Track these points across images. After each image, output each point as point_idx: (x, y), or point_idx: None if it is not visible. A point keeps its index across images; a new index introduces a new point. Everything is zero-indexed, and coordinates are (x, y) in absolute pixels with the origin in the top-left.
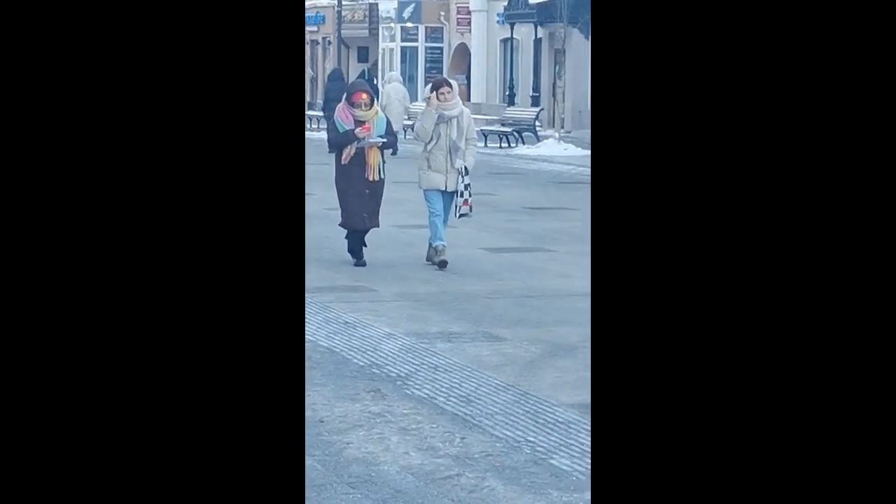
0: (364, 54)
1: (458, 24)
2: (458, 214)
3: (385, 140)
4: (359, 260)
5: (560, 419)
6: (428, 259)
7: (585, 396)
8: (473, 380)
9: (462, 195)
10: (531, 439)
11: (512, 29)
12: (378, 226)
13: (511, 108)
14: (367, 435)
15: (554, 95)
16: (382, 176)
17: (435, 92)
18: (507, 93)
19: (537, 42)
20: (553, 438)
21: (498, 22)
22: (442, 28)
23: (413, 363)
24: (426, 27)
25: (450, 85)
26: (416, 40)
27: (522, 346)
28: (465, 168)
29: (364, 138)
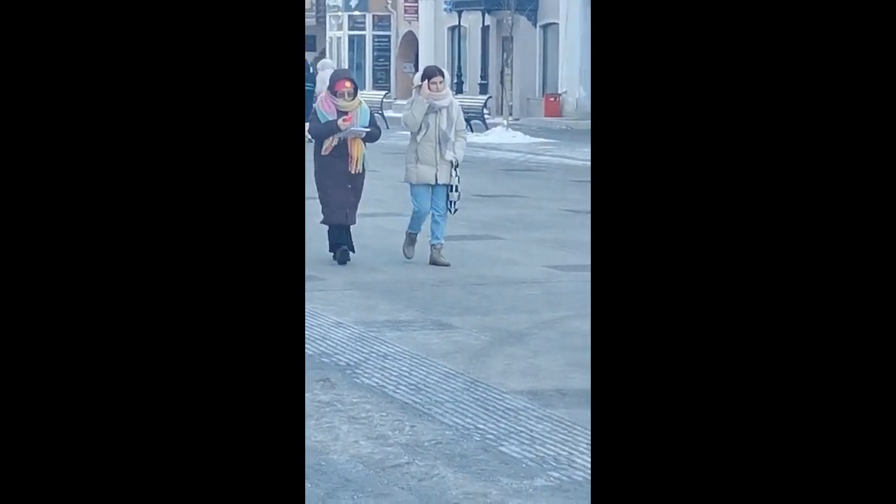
0: (311, 43)
1: (406, 12)
2: (453, 209)
3: (369, 130)
4: (344, 256)
5: (509, 406)
6: (432, 261)
7: (534, 383)
8: (423, 368)
9: (456, 189)
10: (481, 427)
11: (459, 17)
12: (355, 222)
13: (459, 95)
14: (316, 424)
15: (502, 83)
16: (365, 169)
17: (426, 81)
18: (454, 81)
19: (485, 30)
20: (502, 425)
21: (445, 10)
22: (389, 16)
23: (362, 352)
24: (373, 15)
25: (442, 74)
26: (363, 29)
27: (472, 334)
28: (457, 160)
29: (347, 129)
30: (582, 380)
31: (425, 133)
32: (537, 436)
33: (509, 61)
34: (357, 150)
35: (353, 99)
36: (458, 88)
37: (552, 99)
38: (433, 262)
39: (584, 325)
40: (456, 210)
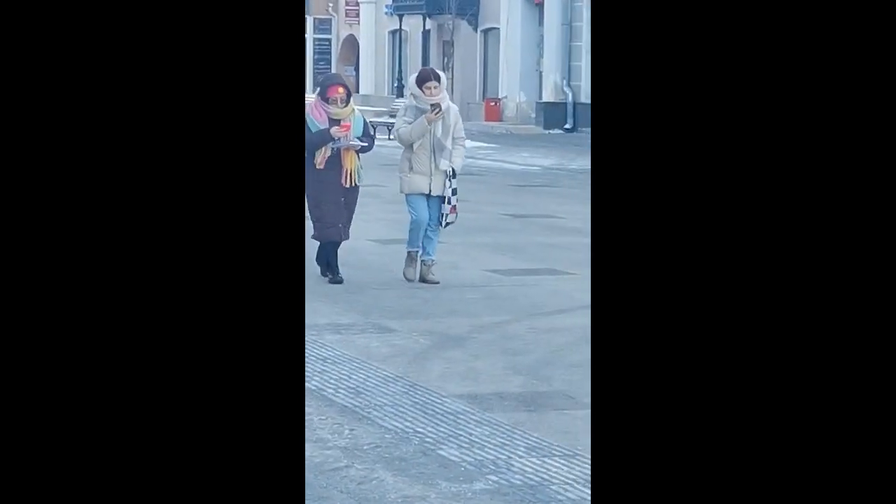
0: None
1: (347, 15)
2: (444, 223)
3: (365, 143)
4: (334, 276)
5: (448, 410)
6: (421, 278)
7: (473, 387)
8: (362, 371)
9: (449, 201)
10: (420, 430)
11: (400, 20)
12: (348, 237)
13: (400, 99)
14: None
15: None
16: (359, 182)
17: (421, 86)
18: (395, 84)
19: (426, 34)
20: (441, 429)
21: (386, 13)
22: (330, 20)
23: None
24: (314, 19)
25: (438, 78)
26: (304, 32)
27: (412, 338)
28: (453, 170)
29: (340, 139)
30: (521, 384)
31: (420, 142)
32: (476, 439)
33: (450, 65)
34: (351, 161)
35: (346, 106)
36: (399, 92)
37: (493, 104)
38: (423, 280)
39: (524, 329)
40: (448, 224)
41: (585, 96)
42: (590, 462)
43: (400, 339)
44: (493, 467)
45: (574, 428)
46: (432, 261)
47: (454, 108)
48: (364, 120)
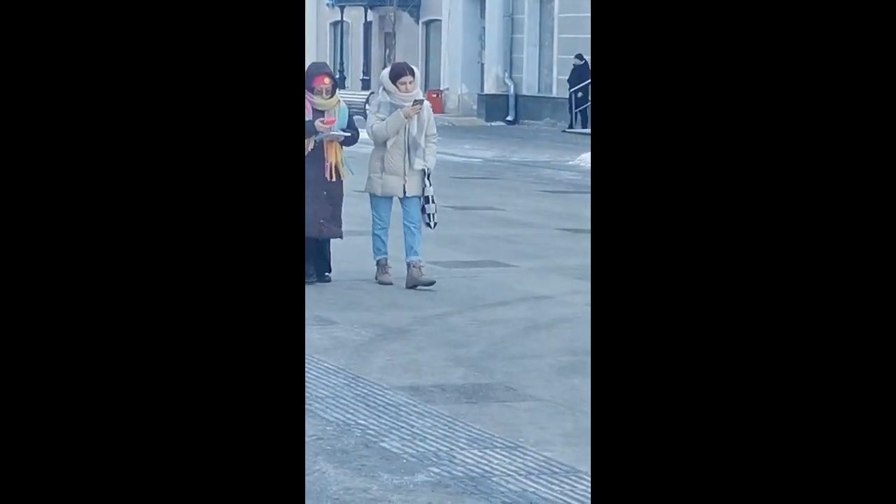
0: None
1: None
2: (432, 223)
3: (349, 134)
4: (321, 276)
5: (390, 402)
6: (412, 284)
7: (415, 379)
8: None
9: (433, 200)
10: (361, 422)
11: (342, 12)
12: (341, 236)
13: (341, 91)
14: None
15: None
16: (351, 173)
17: (395, 81)
18: (336, 76)
19: (367, 25)
20: (383, 421)
21: (328, 5)
22: None
23: None
24: None
25: (412, 73)
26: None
27: (353, 330)
28: (428, 169)
29: (324, 131)
30: (463, 375)
31: (394, 140)
32: (418, 431)
33: (392, 57)
34: (334, 154)
35: (332, 97)
36: (341, 84)
37: (434, 95)
38: (413, 285)
39: (465, 322)
40: (436, 224)
41: (527, 88)
42: (535, 452)
43: (341, 331)
44: (434, 459)
45: (515, 420)
46: (420, 261)
47: (427, 104)
48: (349, 111)
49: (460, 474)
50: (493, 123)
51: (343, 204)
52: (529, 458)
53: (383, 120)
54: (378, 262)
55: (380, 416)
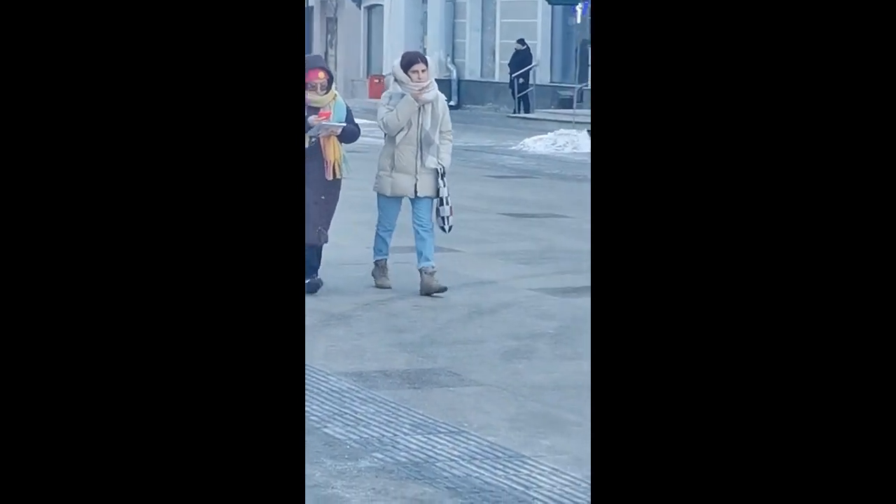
0: None
1: None
2: (447, 227)
3: (345, 125)
4: (313, 278)
5: (333, 388)
6: (424, 292)
7: (358, 365)
8: None
9: (448, 202)
10: (304, 408)
11: None
12: (327, 240)
13: None
14: None
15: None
16: (346, 174)
17: (407, 70)
18: None
19: (309, 10)
20: (326, 407)
21: None
22: None
23: None
24: None
25: (425, 61)
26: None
27: None
28: (443, 168)
29: (314, 127)
30: (406, 361)
31: (405, 135)
32: (361, 417)
33: (333, 42)
34: (333, 152)
35: (328, 92)
36: None
37: (377, 81)
38: (427, 292)
39: (408, 307)
40: (451, 227)
41: (469, 73)
42: (479, 437)
43: None
44: (378, 445)
45: (459, 404)
46: (433, 267)
47: (442, 97)
48: (347, 107)
49: (404, 460)
50: None
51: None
52: (473, 442)
53: (393, 111)
54: (377, 263)
55: (323, 403)
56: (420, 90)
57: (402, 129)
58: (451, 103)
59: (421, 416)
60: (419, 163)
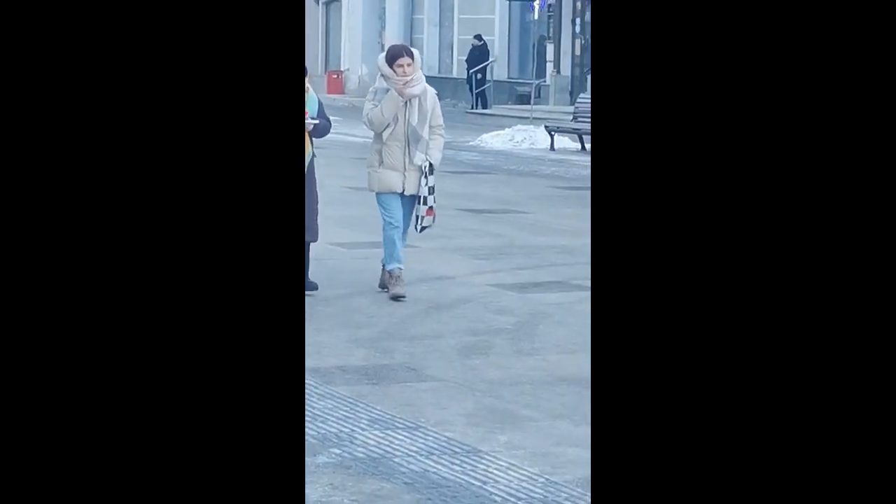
0: None
1: None
2: (419, 227)
3: (318, 122)
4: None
5: None
6: (381, 286)
7: (316, 360)
8: None
9: (425, 201)
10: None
11: None
12: (315, 239)
13: None
14: None
15: None
16: (314, 169)
17: (392, 64)
18: None
19: None
20: None
21: None
22: None
23: None
24: None
25: (411, 55)
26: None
27: None
28: (430, 165)
29: None
30: (363, 356)
31: (391, 131)
32: (319, 413)
33: None
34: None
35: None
36: None
37: (335, 76)
38: (384, 287)
39: (366, 302)
40: (424, 228)
41: (427, 68)
42: (436, 433)
43: None
44: (336, 440)
45: (417, 400)
46: (400, 269)
47: (431, 90)
48: (319, 100)
49: (361, 455)
50: None
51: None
52: (431, 438)
53: (377, 106)
54: (391, 273)
55: None
56: (404, 84)
57: (387, 126)
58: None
59: (378, 412)
60: (407, 159)
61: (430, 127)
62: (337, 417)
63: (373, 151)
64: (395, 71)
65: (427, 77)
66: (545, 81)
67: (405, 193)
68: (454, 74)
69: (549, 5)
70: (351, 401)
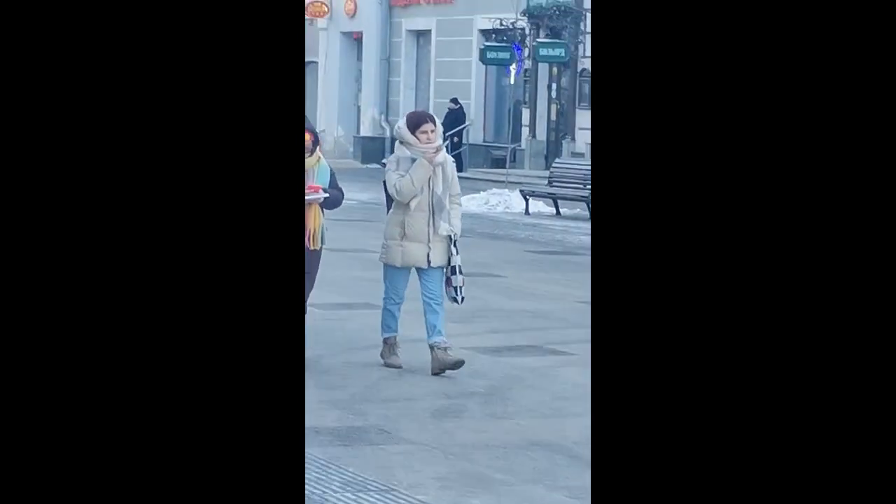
0: None
1: None
2: (460, 297)
3: (328, 195)
4: None
5: None
6: (440, 368)
7: None
8: None
9: (461, 270)
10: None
11: None
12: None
13: None
14: None
15: None
16: (323, 244)
17: (414, 131)
18: None
19: None
20: None
21: None
22: None
23: None
24: None
25: (433, 121)
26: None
27: None
28: (455, 235)
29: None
30: (337, 418)
31: (417, 201)
32: None
33: None
34: (315, 220)
35: (312, 155)
36: None
37: (311, 138)
38: (441, 369)
39: (340, 364)
40: (463, 299)
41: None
42: (409, 496)
43: None
44: (307, 502)
45: (389, 462)
46: (445, 342)
47: (450, 158)
48: (330, 169)
49: None
50: (368, 165)
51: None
52: (403, 501)
53: (404, 176)
54: (386, 341)
55: None
56: (435, 151)
57: (415, 195)
58: (384, 161)
59: (351, 474)
60: (431, 230)
61: (451, 196)
62: (309, 479)
63: (393, 223)
64: (418, 137)
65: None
66: (520, 146)
67: (431, 265)
68: None
69: (526, 70)
70: (323, 462)
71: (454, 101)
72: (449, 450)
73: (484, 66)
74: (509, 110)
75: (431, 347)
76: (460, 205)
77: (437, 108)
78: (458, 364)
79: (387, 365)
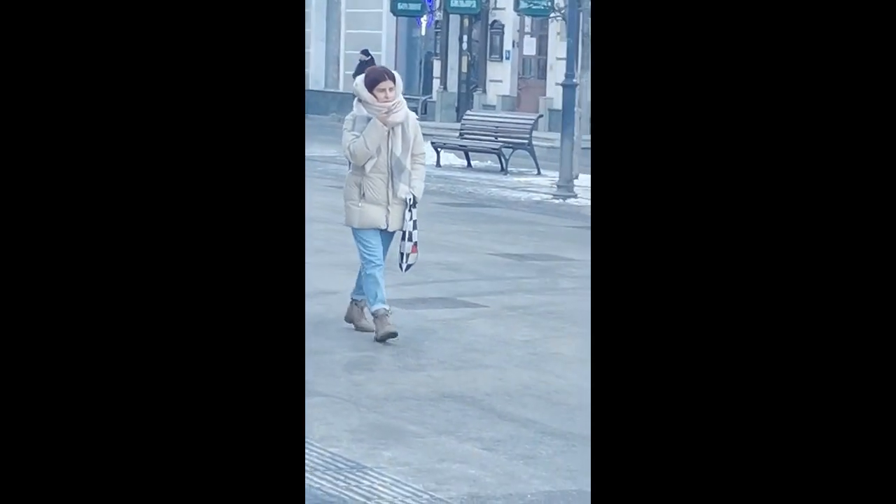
0: None
1: None
2: (405, 265)
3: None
4: None
5: None
6: (349, 321)
7: None
8: None
9: (411, 237)
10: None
11: None
12: None
13: None
14: None
15: None
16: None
17: (372, 89)
18: None
19: None
20: None
21: None
22: None
23: None
24: None
25: (393, 78)
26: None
27: None
28: (413, 198)
29: None
30: None
31: (375, 162)
32: None
33: None
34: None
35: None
36: None
37: None
38: (350, 320)
39: None
40: (409, 266)
41: (314, 83)
42: (321, 448)
43: None
44: None
45: None
46: (386, 310)
47: (412, 116)
48: None
49: None
50: None
51: None
52: (315, 454)
53: (359, 137)
54: (376, 314)
55: None
56: (387, 111)
57: (370, 157)
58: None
59: None
60: (391, 193)
61: (413, 155)
62: None
63: (351, 184)
64: (375, 95)
65: (313, 91)
66: (431, 98)
67: (388, 229)
68: (341, 89)
69: (437, 22)
70: None
71: (365, 52)
72: (361, 402)
73: (395, 18)
74: (420, 62)
75: (353, 301)
76: (424, 164)
77: (348, 59)
78: (366, 330)
79: (379, 339)
